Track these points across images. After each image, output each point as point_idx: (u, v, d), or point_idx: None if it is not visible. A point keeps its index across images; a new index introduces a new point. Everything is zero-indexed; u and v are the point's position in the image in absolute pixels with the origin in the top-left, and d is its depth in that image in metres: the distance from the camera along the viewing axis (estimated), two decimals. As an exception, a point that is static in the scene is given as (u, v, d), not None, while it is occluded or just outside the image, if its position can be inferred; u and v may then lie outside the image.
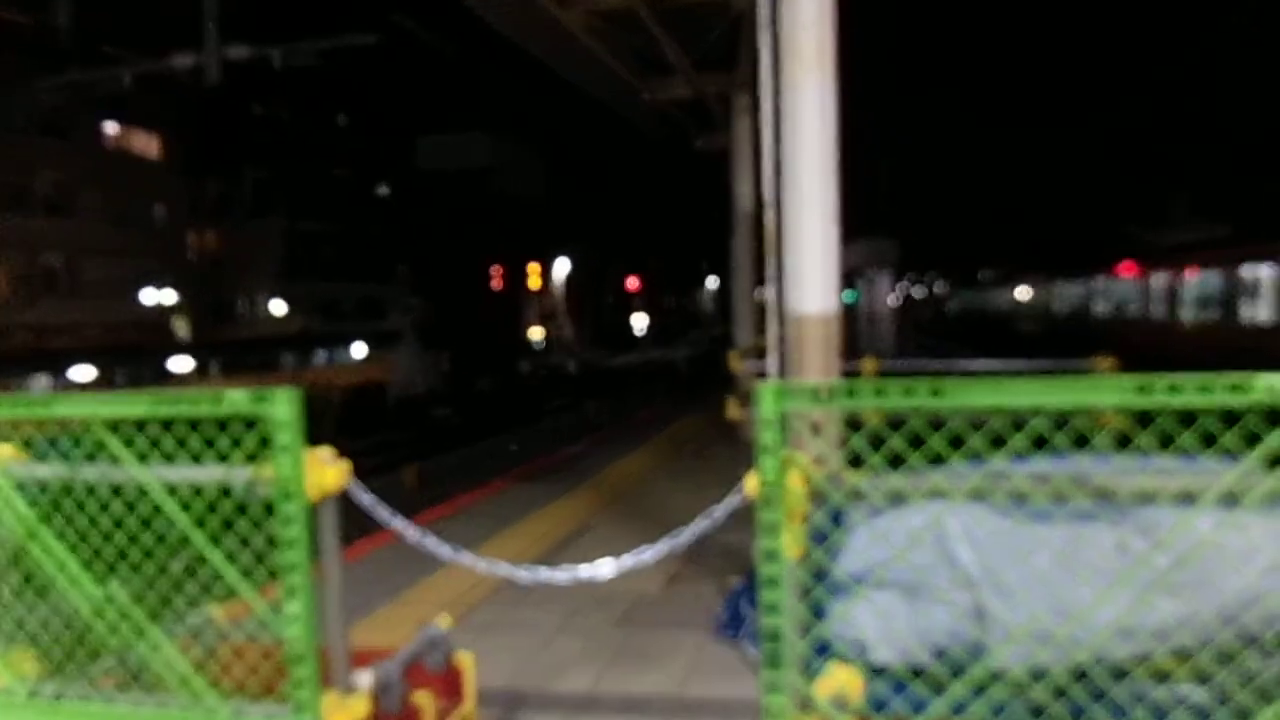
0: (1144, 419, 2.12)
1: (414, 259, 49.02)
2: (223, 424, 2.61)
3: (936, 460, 2.32)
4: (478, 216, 48.56)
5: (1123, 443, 2.22)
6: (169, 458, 2.65)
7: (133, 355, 35.59)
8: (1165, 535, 2.38)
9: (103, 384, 33.12)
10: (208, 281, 44.10)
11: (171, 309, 41.24)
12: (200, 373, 37.77)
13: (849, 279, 23.58)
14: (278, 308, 46.63)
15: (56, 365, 32.28)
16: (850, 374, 6.70)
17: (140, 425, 2.67)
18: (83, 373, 32.63)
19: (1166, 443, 2.12)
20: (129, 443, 2.67)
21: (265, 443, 2.54)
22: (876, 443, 2.37)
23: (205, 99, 28.54)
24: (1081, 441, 2.27)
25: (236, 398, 2.51)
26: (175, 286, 41.14)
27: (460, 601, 5.24)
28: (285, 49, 18.35)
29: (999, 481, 2.21)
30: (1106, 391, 2.10)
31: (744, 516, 2.74)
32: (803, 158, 4.87)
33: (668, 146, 22.70)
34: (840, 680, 2.49)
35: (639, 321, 63.82)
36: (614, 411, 23.86)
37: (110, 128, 38.70)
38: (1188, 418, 2.11)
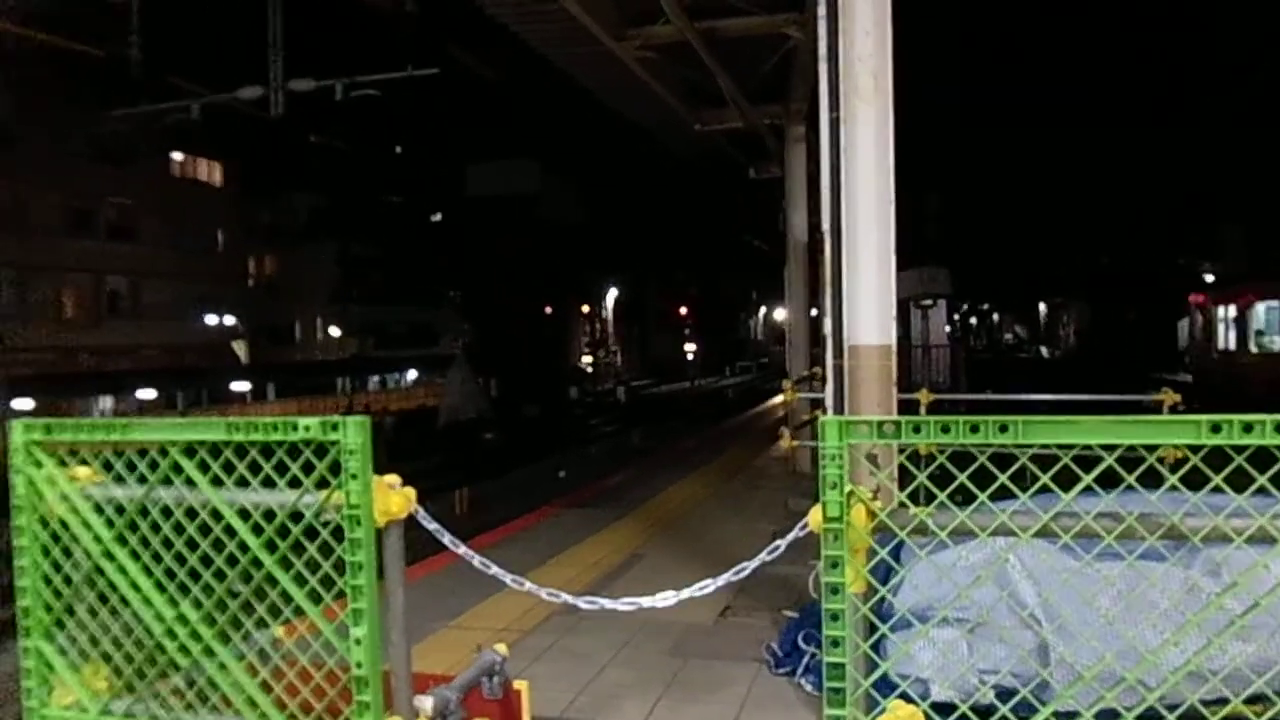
0: (1218, 457, 2.08)
1: (465, 285, 49.58)
2: (294, 450, 2.67)
3: (1000, 495, 2.30)
4: (528, 243, 49.01)
5: (1191, 478, 2.19)
6: (242, 482, 2.72)
7: (192, 377, 36.35)
8: (1237, 577, 2.33)
9: (162, 405, 33.88)
10: (264, 305, 44.99)
11: (230, 332, 42.11)
12: (256, 395, 38.46)
13: (900, 309, 23.28)
14: (332, 332, 47.43)
15: (118, 387, 33.05)
16: (904, 405, 6.65)
17: (215, 449, 2.74)
18: (144, 394, 33.38)
19: (1241, 482, 2.08)
20: (204, 466, 2.75)
21: (335, 469, 2.60)
22: (939, 477, 2.36)
23: (266, 128, 29.35)
24: (1150, 478, 2.24)
25: (309, 425, 2.57)
26: (233, 310, 42.03)
27: (513, 628, 5.26)
28: (347, 82, 18.78)
29: (1066, 520, 2.19)
30: (1180, 430, 2.07)
31: (795, 547, 2.74)
32: (860, 189, 4.88)
33: (719, 175, 22.80)
34: (902, 718, 2.47)
35: (688, 348, 63.87)
36: (662, 438, 23.83)
37: (175, 155, 39.83)
38: (1265, 456, 2.07)
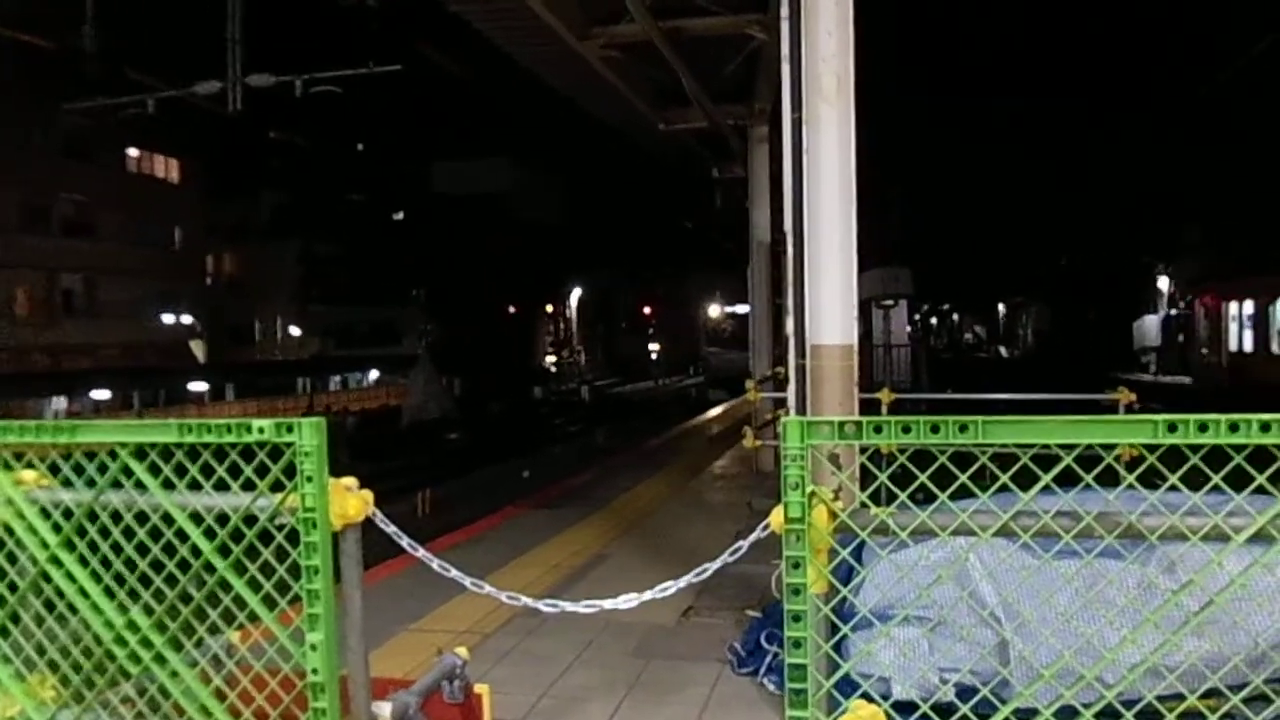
0: (1174, 455, 2.10)
1: (429, 284, 49.26)
2: (248, 451, 2.61)
3: (961, 494, 2.31)
4: (493, 242, 48.79)
5: (1148, 476, 2.20)
6: (195, 485, 2.66)
7: (149, 377, 35.76)
8: (1192, 575, 2.36)
9: (118, 406, 33.29)
10: (224, 304, 44.39)
11: (188, 331, 41.48)
12: (215, 396, 37.92)
13: (862, 309, 23.40)
14: (293, 331, 46.90)
15: (72, 387, 32.44)
16: (866, 404, 6.69)
17: (167, 452, 2.68)
18: (99, 394, 32.78)
19: (1197, 481, 2.10)
20: (155, 469, 2.68)
21: (290, 471, 2.54)
22: (900, 476, 2.35)
23: (225, 124, 28.96)
24: (1106, 475, 2.25)
25: (263, 426, 2.52)
26: (192, 309, 41.42)
27: (475, 630, 5.22)
28: (307, 78, 18.53)
29: (1025, 519, 2.19)
30: (1137, 430, 2.08)
31: (759, 546, 2.73)
32: (823, 190, 4.89)
33: (685, 175, 22.83)
34: (863, 717, 2.46)
35: (652, 348, 63.88)
36: (627, 438, 23.81)
37: (131, 151, 39.19)
38: (1218, 455, 2.09)
